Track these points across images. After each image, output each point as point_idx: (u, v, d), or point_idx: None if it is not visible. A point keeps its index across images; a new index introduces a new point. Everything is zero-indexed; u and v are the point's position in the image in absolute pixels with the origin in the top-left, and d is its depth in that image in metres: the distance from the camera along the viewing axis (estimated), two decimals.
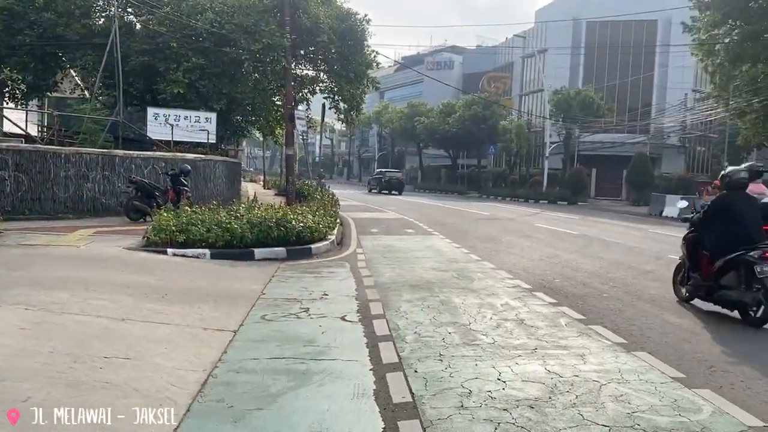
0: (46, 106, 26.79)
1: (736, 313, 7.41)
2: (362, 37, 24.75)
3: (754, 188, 8.67)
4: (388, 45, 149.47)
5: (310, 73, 27.05)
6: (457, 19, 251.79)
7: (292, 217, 12.12)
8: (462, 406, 4.24)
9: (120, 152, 17.46)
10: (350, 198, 35.01)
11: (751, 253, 7.03)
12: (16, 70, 22.77)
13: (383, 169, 54.91)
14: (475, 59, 67.61)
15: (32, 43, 21.37)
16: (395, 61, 68.95)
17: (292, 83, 22.73)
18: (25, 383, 4.07)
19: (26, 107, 24.21)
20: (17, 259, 8.96)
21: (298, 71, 26.08)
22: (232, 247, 10.86)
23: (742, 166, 8.08)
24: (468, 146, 56.16)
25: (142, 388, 4.21)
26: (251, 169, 77.12)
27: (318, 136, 58.87)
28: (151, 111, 21.41)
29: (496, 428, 3.88)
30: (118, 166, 16.78)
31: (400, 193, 45.57)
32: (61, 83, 25.27)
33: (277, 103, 26.82)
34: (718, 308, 7.67)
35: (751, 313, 7.08)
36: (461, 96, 56.03)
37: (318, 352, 5.44)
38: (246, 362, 5.09)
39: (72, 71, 25.26)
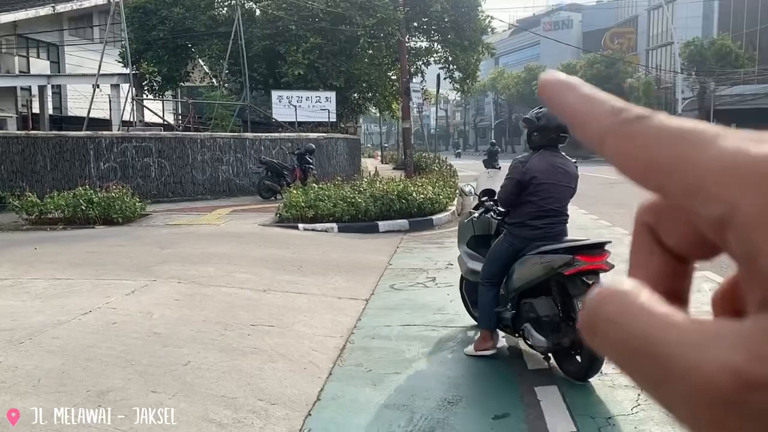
0: (179, 96, 28.71)
1: None
2: (476, 3, 24.29)
3: None
4: (502, 8, 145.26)
5: (424, 44, 26.97)
6: None
7: (412, 189, 12.24)
8: None
9: (249, 135, 18.40)
10: (467, 168, 34.72)
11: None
12: (152, 64, 24.52)
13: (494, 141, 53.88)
14: (595, 16, 64.11)
15: (165, 37, 22.93)
16: (510, 24, 66.92)
17: (407, 56, 22.77)
18: (184, 348, 4.48)
19: (162, 98, 26.09)
20: (166, 238, 9.76)
21: (412, 43, 26.05)
22: (357, 220, 11.21)
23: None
24: None
25: (287, 353, 4.50)
26: (368, 144, 78.52)
27: (433, 108, 58.81)
28: (275, 94, 22.34)
29: None
30: (249, 149, 17.70)
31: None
32: (192, 73, 26.96)
33: (393, 77, 26.99)
34: None
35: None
36: (582, 56, 53.47)
37: (448, 320, 5.53)
38: (380, 329, 5.28)
39: (201, 61, 26.87)
